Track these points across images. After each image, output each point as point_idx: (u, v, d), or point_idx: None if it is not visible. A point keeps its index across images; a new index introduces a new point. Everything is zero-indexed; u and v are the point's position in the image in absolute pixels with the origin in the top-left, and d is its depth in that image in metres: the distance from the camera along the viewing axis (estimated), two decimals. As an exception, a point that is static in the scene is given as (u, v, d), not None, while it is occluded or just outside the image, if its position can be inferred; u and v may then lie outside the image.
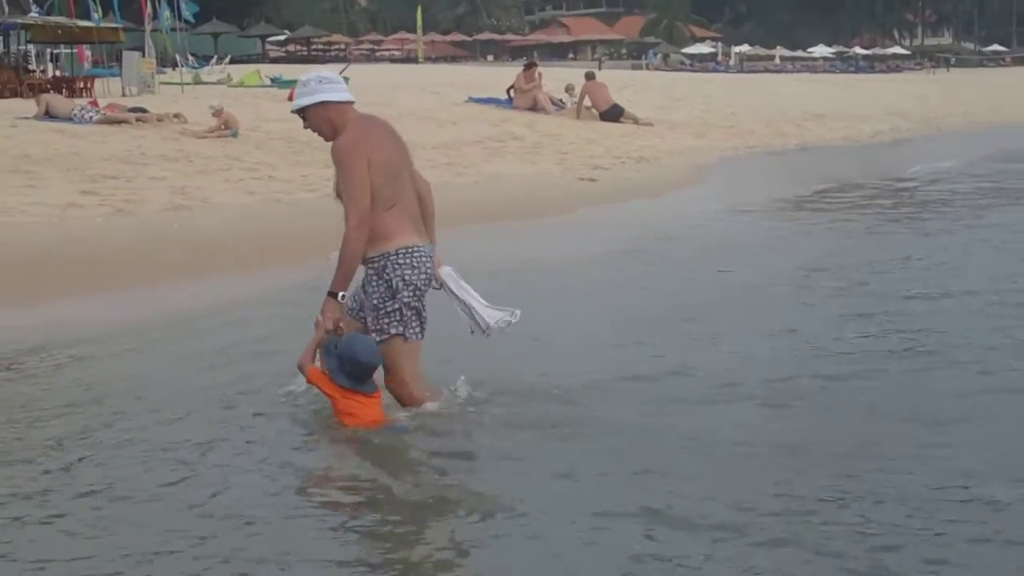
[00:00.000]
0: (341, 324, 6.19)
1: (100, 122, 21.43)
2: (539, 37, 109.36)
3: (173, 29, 46.79)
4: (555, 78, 33.25)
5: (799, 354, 8.34)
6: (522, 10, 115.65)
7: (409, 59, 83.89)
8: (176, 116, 22.44)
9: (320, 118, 6.29)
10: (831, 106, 40.27)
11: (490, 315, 6.55)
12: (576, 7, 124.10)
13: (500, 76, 38.80)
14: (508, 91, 30.52)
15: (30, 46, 45.38)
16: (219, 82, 45.29)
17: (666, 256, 13.30)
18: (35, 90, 36.82)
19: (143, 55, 39.64)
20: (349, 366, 6.12)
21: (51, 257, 11.75)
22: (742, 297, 10.72)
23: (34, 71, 43.21)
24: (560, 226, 15.70)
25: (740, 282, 11.49)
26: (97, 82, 35.91)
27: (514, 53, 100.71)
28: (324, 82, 6.36)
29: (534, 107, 29.54)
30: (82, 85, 34.75)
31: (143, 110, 22.88)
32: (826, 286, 11.09)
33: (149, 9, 44.07)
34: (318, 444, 6.45)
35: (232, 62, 55.62)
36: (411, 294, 6.18)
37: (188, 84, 38.98)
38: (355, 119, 6.32)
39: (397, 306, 6.16)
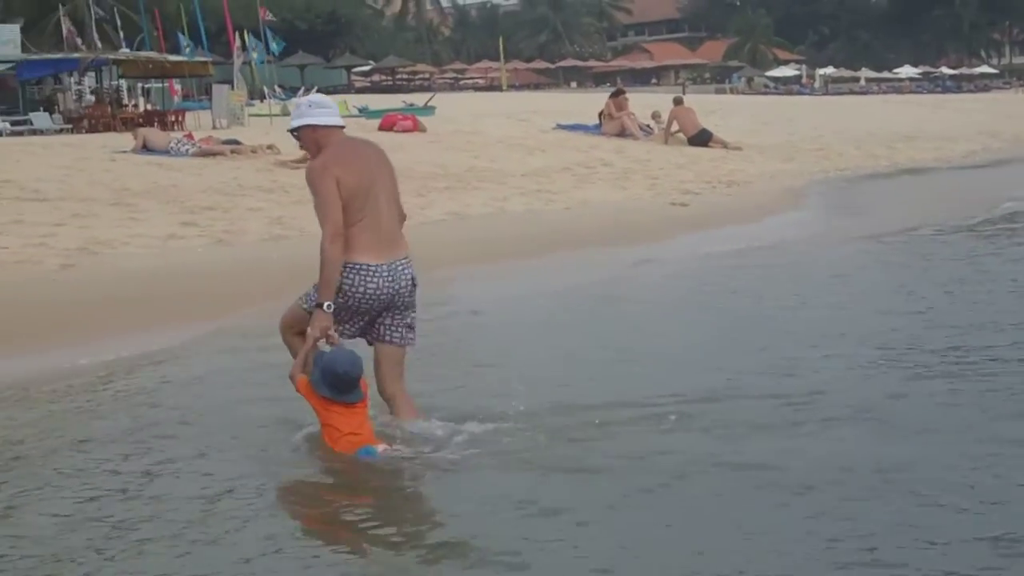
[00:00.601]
0: (331, 333, 6.51)
1: (196, 155, 21.76)
2: (622, 63, 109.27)
3: (261, 62, 47.38)
4: (638, 104, 33.24)
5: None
6: (604, 36, 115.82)
7: (493, 87, 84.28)
8: (270, 147, 22.73)
9: (308, 139, 6.75)
10: (920, 127, 39.90)
11: None
12: (658, 32, 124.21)
13: (585, 103, 38.96)
14: (600, 116, 30.57)
15: (122, 81, 46.19)
16: (307, 113, 45.81)
17: (778, 282, 12.95)
18: (128, 124, 37.65)
19: (232, 88, 40.10)
20: (330, 377, 6.38)
21: (156, 287, 11.92)
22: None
23: (126, 105, 44.02)
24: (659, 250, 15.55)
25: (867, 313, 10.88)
26: (188, 115, 36.44)
27: (597, 79, 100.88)
28: (314, 107, 6.79)
29: (622, 133, 29.56)
30: (173, 118, 35.31)
31: (237, 142, 23.21)
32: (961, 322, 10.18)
33: (238, 42, 44.63)
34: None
35: (317, 93, 56.17)
36: (347, 308, 6.56)
37: (276, 115, 39.43)
38: (336, 142, 6.71)
39: (348, 320, 6.63)
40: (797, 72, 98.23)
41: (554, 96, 62.73)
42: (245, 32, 45.68)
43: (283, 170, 20.83)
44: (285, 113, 42.84)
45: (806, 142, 33.15)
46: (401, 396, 6.87)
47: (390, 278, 6.61)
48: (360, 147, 6.89)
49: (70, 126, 39.05)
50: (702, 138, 28.76)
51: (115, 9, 56.87)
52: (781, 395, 7.66)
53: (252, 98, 46.01)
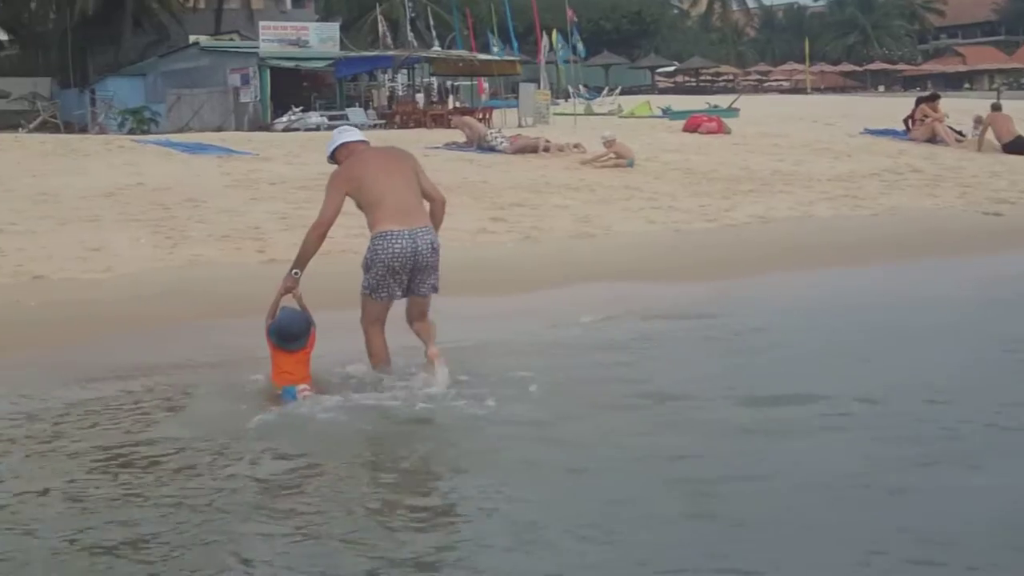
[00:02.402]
0: (295, 292, 8.26)
1: (513, 152, 22.27)
2: (933, 67, 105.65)
3: (566, 61, 47.97)
4: (950, 108, 32.08)
5: None
6: (915, 39, 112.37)
7: (797, 90, 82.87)
8: (576, 146, 23.03)
9: (342, 156, 8.53)
10: None
11: None
12: (972, 35, 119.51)
13: (893, 107, 37.83)
14: (905, 122, 29.73)
15: (432, 78, 47.52)
16: (610, 113, 46.17)
17: None
18: (438, 121, 38.79)
19: (538, 87, 40.72)
20: (277, 329, 8.22)
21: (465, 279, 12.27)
22: None
23: (436, 103, 45.30)
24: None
25: None
26: (495, 113, 37.19)
27: (906, 83, 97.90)
28: (344, 131, 8.86)
29: (933, 138, 28.63)
30: (481, 116, 36.07)
31: (546, 140, 23.60)
32: None
33: (545, 42, 45.33)
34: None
35: (622, 93, 56.52)
36: (381, 266, 8.18)
37: (580, 115, 39.90)
38: (357, 152, 8.51)
39: (371, 276, 8.25)
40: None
41: (861, 100, 61.21)
42: (552, 32, 46.33)
43: (588, 169, 21.09)
44: (589, 112, 43.41)
45: None
46: (424, 329, 8.50)
47: (411, 240, 8.18)
48: (377, 152, 8.69)
49: (383, 121, 40.55)
50: (1018, 145, 27.58)
51: (428, 8, 58.57)
52: None
53: (556, 97, 46.64)
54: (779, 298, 12.32)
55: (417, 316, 8.54)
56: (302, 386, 8.12)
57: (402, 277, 8.27)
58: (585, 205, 17.51)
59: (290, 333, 8.28)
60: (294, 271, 8.27)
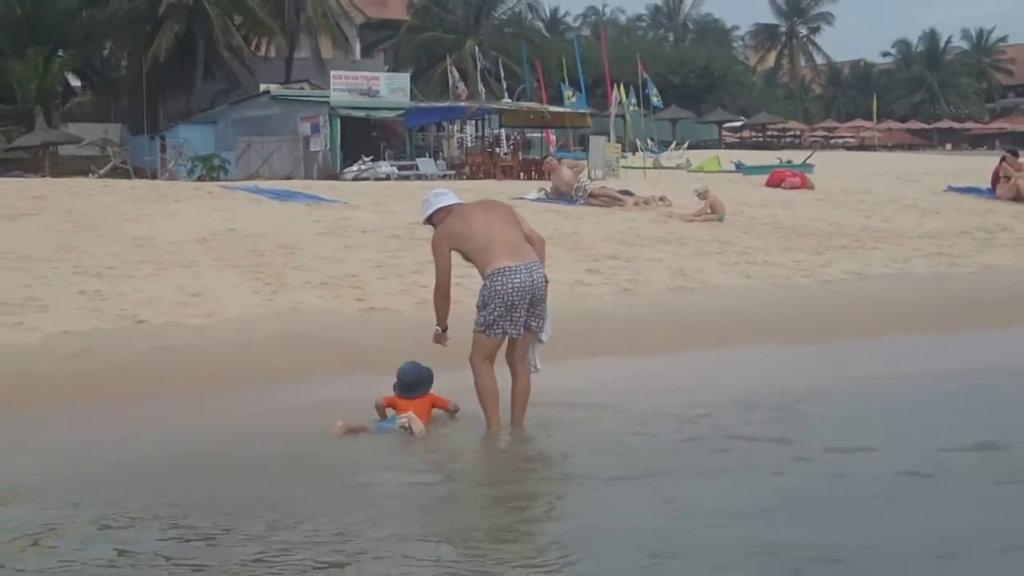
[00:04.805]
0: (444, 344, 8.85)
1: (596, 204, 22.11)
2: (1001, 125, 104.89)
3: (640, 114, 47.79)
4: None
5: None
6: (983, 98, 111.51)
7: (864, 147, 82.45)
8: (662, 199, 22.80)
9: (438, 219, 8.80)
10: None
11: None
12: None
13: (969, 164, 37.45)
14: (993, 180, 29.28)
15: (501, 130, 47.53)
16: (678, 167, 46.03)
17: None
18: (507, 172, 38.71)
19: (607, 140, 40.60)
20: (400, 377, 8.93)
21: (570, 331, 12.05)
22: None
23: (506, 155, 45.28)
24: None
25: None
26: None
27: (973, 142, 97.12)
28: (440, 195, 9.02)
29: (1018, 196, 28.18)
30: (545, 168, 35.88)
31: (629, 193, 23.39)
32: None
33: (615, 95, 45.25)
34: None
35: (689, 147, 56.40)
36: (500, 302, 8.41)
37: (649, 168, 39.74)
38: (453, 213, 8.76)
39: (489, 312, 8.47)
40: None
41: (933, 158, 60.79)
42: (621, 85, 46.25)
43: (676, 222, 20.86)
44: (657, 166, 43.24)
45: None
46: (520, 367, 8.75)
47: (528, 273, 8.46)
48: (474, 204, 9.10)
49: (452, 172, 40.54)
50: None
51: (498, 60, 58.75)
52: None
53: (624, 150, 46.54)
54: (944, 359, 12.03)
55: (520, 355, 8.75)
56: (406, 413, 8.67)
57: (519, 311, 8.50)
58: (678, 258, 17.26)
59: (404, 382, 8.94)
60: (441, 327, 8.83)
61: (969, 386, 10.55)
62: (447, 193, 9.06)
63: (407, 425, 8.55)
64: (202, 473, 7.76)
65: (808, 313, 14.31)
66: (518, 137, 48.23)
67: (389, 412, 8.88)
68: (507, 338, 8.61)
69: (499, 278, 8.39)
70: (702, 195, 21.62)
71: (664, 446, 8.50)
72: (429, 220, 8.91)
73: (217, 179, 38.16)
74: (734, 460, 7.99)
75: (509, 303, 8.42)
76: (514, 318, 8.49)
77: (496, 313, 8.44)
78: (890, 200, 26.37)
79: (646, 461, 7.95)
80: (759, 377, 10.91)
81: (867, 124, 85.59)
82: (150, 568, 5.77)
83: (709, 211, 21.16)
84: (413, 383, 8.92)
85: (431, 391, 8.99)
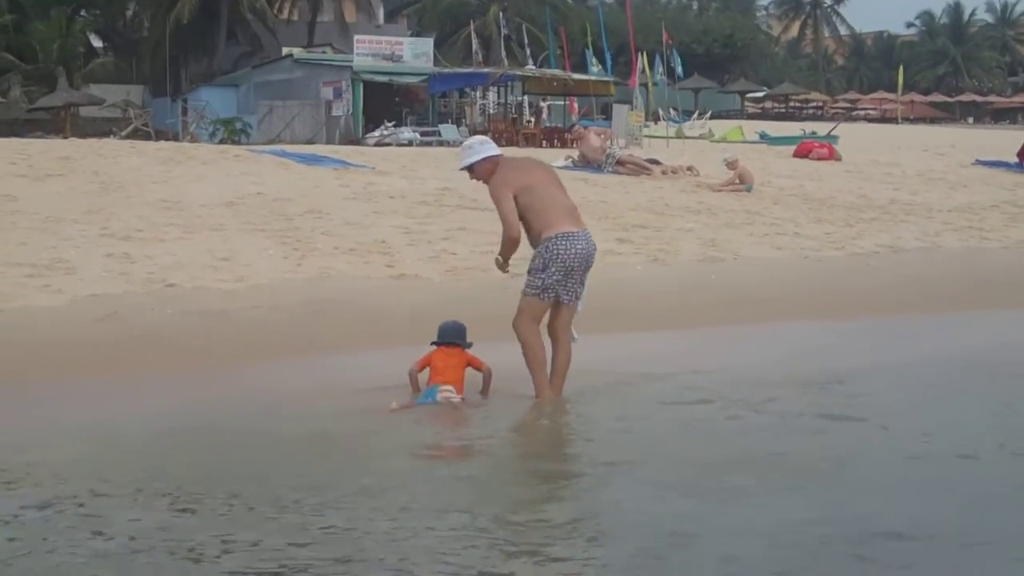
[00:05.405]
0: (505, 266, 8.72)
1: (624, 173, 21.92)
2: (1023, 99, 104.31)
3: (657, 84, 47.45)
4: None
5: None
6: (1006, 71, 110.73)
7: (886, 119, 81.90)
8: (689, 169, 22.62)
9: (484, 169, 8.59)
10: None
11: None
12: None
13: (995, 139, 37.16)
14: (1020, 154, 29.04)
15: (525, 97, 47.21)
16: (701, 137, 45.77)
17: None
18: (530, 140, 38.47)
19: (631, 108, 40.34)
20: (439, 330, 8.86)
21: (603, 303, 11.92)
22: None
23: (530, 121, 45.00)
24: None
25: None
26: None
27: (995, 116, 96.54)
28: (485, 143, 8.81)
29: (1047, 171, 27.94)
30: (572, 136, 35.70)
31: (657, 162, 23.21)
32: None
33: (640, 63, 44.89)
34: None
35: (711, 117, 56.09)
36: (561, 266, 8.33)
37: (672, 138, 39.51)
38: (503, 163, 8.63)
39: (546, 275, 8.36)
40: None
41: (958, 131, 60.36)
42: (644, 55, 45.89)
43: (705, 191, 20.68)
44: (680, 136, 42.97)
45: None
46: (564, 336, 8.64)
47: (586, 241, 8.47)
48: (530, 160, 9.15)
49: (476, 139, 40.27)
50: None
51: (522, 26, 58.38)
52: None
53: (647, 119, 46.21)
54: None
55: (565, 325, 8.65)
56: (446, 387, 8.49)
57: (576, 278, 8.46)
58: (708, 229, 17.10)
59: (448, 330, 8.89)
60: (497, 257, 8.70)
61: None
62: (490, 142, 8.87)
63: (450, 398, 8.45)
64: (246, 450, 7.59)
65: (844, 288, 14.10)
66: (541, 104, 47.93)
67: (423, 378, 8.74)
68: (550, 308, 8.52)
69: (563, 242, 8.31)
70: (731, 165, 21.44)
71: (720, 430, 8.27)
72: (470, 168, 8.68)
73: (239, 143, 38.00)
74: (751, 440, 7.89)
75: (568, 268, 8.35)
76: (569, 284, 8.42)
77: (555, 277, 8.33)
78: (918, 173, 26.20)
79: (702, 445, 7.78)
80: (802, 355, 10.77)
81: (890, 96, 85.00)
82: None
83: (738, 181, 20.98)
84: (452, 330, 8.87)
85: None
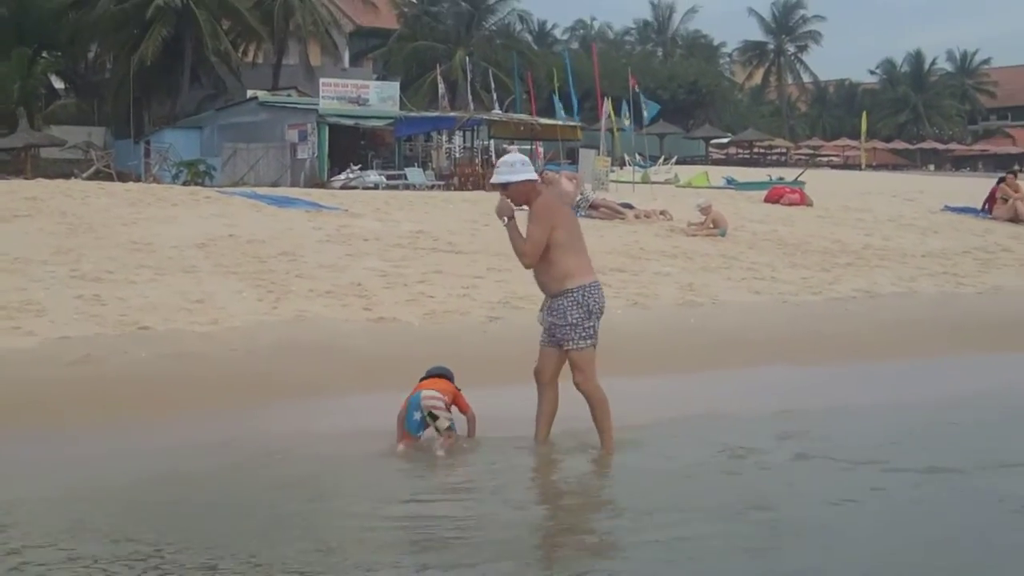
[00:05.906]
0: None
1: (598, 216, 21.81)
2: (983, 147, 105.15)
3: (623, 130, 47.46)
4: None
5: None
6: (966, 119, 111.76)
7: (849, 165, 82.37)
8: (662, 213, 22.53)
9: (522, 190, 8.37)
10: None
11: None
12: (1022, 117, 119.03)
13: (958, 185, 37.32)
14: (985, 202, 29.14)
15: (491, 141, 47.15)
16: (666, 182, 45.74)
17: None
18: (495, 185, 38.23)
19: (597, 153, 40.32)
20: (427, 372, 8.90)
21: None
22: None
23: (494, 165, 44.86)
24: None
25: None
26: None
27: (956, 163, 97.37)
28: (527, 164, 8.54)
29: (1015, 218, 28.02)
30: (539, 180, 35.56)
31: (630, 206, 23.11)
32: None
33: (606, 108, 44.92)
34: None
35: (676, 163, 56.20)
36: (597, 316, 8.38)
37: (638, 183, 39.51)
38: (544, 192, 8.62)
39: (591, 323, 8.36)
40: None
41: (920, 178, 60.80)
42: (610, 100, 45.90)
43: (679, 235, 20.58)
44: (646, 180, 42.93)
45: None
46: (556, 382, 8.61)
47: (602, 292, 8.52)
48: (552, 196, 9.02)
49: (441, 182, 40.16)
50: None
51: (488, 71, 58.37)
52: None
53: (612, 164, 46.18)
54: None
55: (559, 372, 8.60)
56: (430, 392, 8.50)
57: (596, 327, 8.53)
58: (686, 273, 16.97)
59: (437, 367, 8.90)
60: (506, 220, 8.42)
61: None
62: (531, 165, 8.68)
63: (435, 408, 8.44)
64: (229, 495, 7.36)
65: (826, 333, 14.00)
66: (508, 148, 47.86)
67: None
68: (542, 356, 8.56)
69: (595, 292, 8.39)
70: (704, 210, 21.35)
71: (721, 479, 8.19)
72: (504, 186, 8.42)
73: (202, 185, 37.64)
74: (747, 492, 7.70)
75: (598, 317, 8.45)
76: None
77: (596, 325, 8.41)
78: (889, 219, 26.22)
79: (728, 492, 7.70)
80: (789, 400, 10.62)
81: (853, 143, 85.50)
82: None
83: (712, 226, 20.89)
84: (440, 368, 8.90)
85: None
